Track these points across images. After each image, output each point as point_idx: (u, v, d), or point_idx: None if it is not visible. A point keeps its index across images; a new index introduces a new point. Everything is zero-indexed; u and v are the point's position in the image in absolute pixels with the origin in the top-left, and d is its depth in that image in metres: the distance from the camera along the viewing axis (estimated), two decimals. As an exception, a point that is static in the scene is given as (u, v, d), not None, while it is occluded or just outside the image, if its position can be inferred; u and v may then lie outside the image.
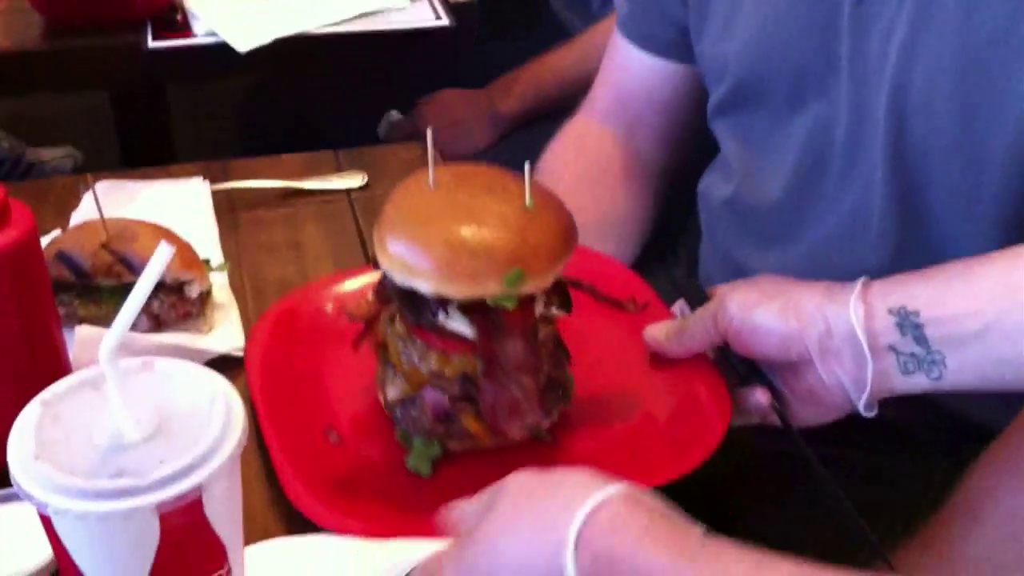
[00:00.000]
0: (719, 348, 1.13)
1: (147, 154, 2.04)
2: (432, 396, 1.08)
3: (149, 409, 0.73)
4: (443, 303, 1.03)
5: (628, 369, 1.19)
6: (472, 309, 1.03)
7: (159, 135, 2.13)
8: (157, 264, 0.75)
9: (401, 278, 1.02)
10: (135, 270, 1.22)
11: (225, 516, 0.74)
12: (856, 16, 1.17)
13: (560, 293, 1.12)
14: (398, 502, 1.05)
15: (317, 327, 1.25)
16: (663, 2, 1.39)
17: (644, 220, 1.51)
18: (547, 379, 1.09)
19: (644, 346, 1.19)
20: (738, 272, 1.24)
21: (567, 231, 1.05)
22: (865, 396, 1.00)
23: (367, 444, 1.12)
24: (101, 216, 1.26)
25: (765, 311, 1.02)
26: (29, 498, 0.67)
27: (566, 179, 1.39)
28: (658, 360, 1.18)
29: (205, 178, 1.50)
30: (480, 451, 1.10)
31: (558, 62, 2.22)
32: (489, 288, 1.00)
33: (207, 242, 1.40)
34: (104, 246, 1.24)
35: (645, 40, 1.47)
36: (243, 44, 1.83)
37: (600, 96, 1.56)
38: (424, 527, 0.98)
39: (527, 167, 1.03)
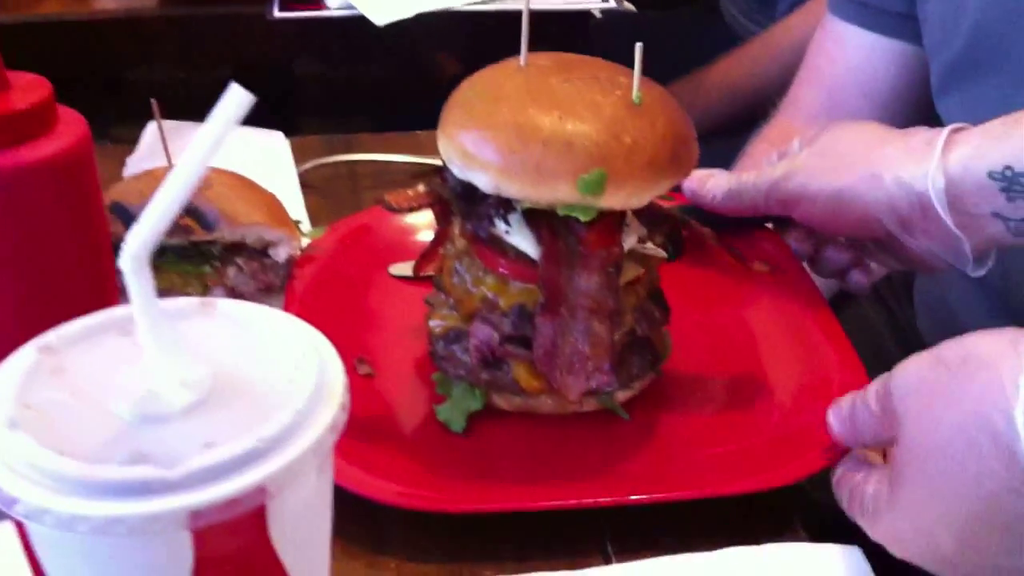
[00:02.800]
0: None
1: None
2: (482, 332, 0.85)
3: (201, 367, 0.49)
4: (505, 207, 0.80)
5: (745, 343, 0.94)
6: (540, 221, 0.80)
7: (283, 112, 2.00)
8: (232, 105, 0.49)
9: (459, 168, 0.80)
10: (209, 226, 0.96)
11: (303, 542, 0.51)
12: None
13: (668, 230, 0.87)
14: (417, 457, 0.83)
15: (376, 253, 1.04)
16: None
17: None
18: (631, 336, 0.85)
19: (771, 317, 0.93)
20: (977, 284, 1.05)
21: (680, 141, 0.80)
22: (969, 266, 0.90)
23: (399, 383, 0.90)
24: (168, 157, 0.98)
25: (834, 190, 0.92)
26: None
27: None
28: (787, 337, 0.91)
29: (328, 153, 1.30)
30: (530, 414, 0.86)
31: (724, 74, 1.98)
32: (559, 191, 0.76)
33: (291, 203, 1.15)
34: None
35: (867, 16, 1.31)
36: (381, 18, 1.69)
37: (805, 95, 1.41)
38: (439, 494, 0.79)
39: (638, 49, 0.79)
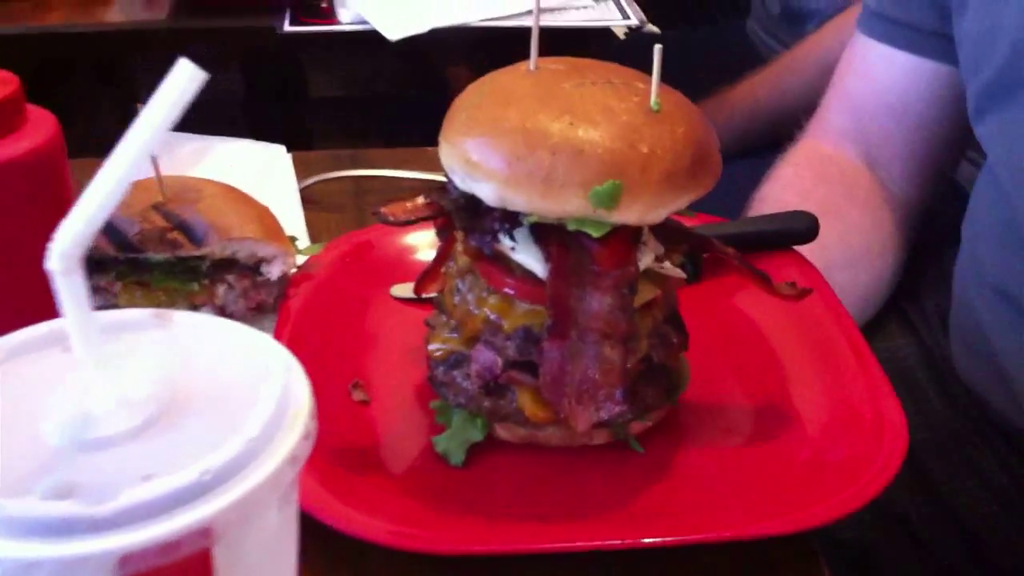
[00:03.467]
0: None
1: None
2: (484, 356, 0.78)
3: (147, 386, 0.43)
4: (510, 221, 0.74)
5: (769, 372, 0.87)
6: (548, 236, 0.73)
7: (296, 125, 1.96)
8: (182, 83, 0.44)
9: (461, 177, 0.74)
10: (198, 240, 0.89)
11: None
12: None
13: (687, 249, 0.80)
14: (411, 492, 0.77)
15: (377, 272, 0.98)
16: None
17: (896, 258, 1.28)
18: (646, 363, 0.79)
19: (798, 344, 0.86)
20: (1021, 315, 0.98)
21: (702, 152, 0.74)
22: None
23: (395, 410, 0.84)
24: (155, 168, 0.89)
25: None
26: None
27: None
28: (815, 365, 0.85)
29: (334, 169, 1.25)
30: (536, 447, 0.80)
31: (748, 92, 1.91)
32: (569, 203, 0.70)
33: (289, 219, 1.10)
34: (157, 208, 0.89)
35: (898, 35, 1.25)
36: (394, 33, 1.65)
37: (834, 115, 1.35)
38: (434, 534, 0.73)
39: (657, 52, 0.73)
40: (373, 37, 1.62)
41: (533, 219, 0.73)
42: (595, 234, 0.71)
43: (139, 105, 0.89)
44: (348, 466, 0.78)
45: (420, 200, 0.78)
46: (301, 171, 1.22)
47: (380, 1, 1.73)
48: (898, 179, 1.29)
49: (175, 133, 1.14)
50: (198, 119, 1.43)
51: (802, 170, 1.31)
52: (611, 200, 0.70)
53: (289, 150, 1.26)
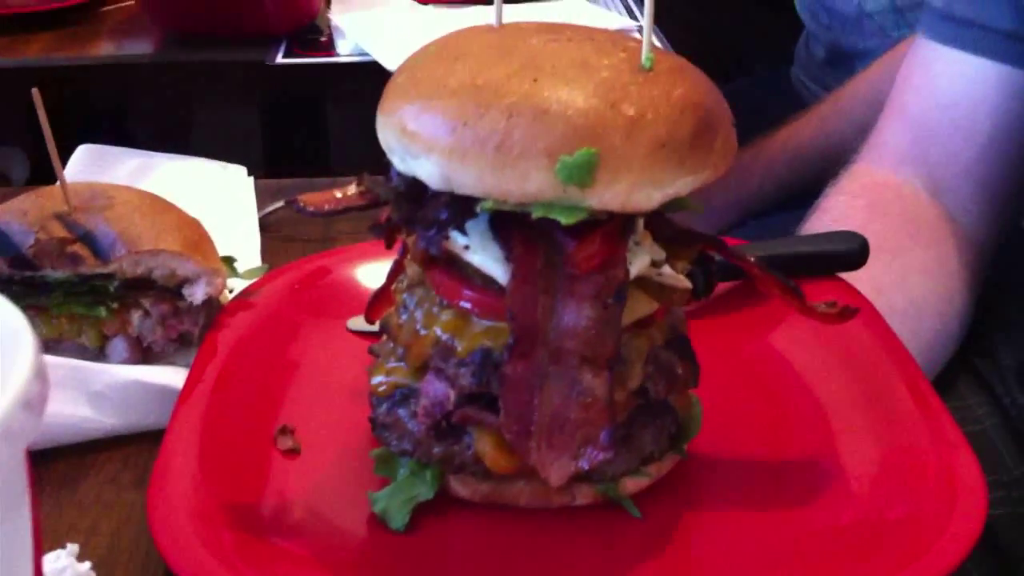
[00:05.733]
0: None
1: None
2: (434, 389, 0.61)
3: None
4: (461, 209, 0.57)
5: (802, 413, 0.69)
6: (510, 229, 0.57)
7: (315, 155, 1.86)
8: None
9: (399, 155, 0.58)
10: (103, 253, 0.75)
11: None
12: None
13: (695, 255, 0.63)
14: (341, 567, 0.59)
15: (333, 302, 0.82)
16: None
17: (966, 304, 1.11)
18: (641, 397, 0.61)
19: (839, 377, 0.68)
20: None
21: (708, 120, 0.58)
22: None
23: (330, 461, 0.67)
24: (60, 176, 0.77)
25: None
26: None
27: None
28: (861, 405, 0.67)
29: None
30: (501, 507, 0.62)
31: (789, 136, 1.76)
32: (531, 178, 0.53)
33: (242, 241, 0.96)
34: (60, 217, 0.76)
35: (970, 36, 1.11)
36: (394, 63, 1.52)
37: (890, 135, 1.19)
38: None
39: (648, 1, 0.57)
40: (374, 68, 1.50)
41: (489, 206, 0.56)
42: (565, 221, 0.54)
43: (34, 90, 0.74)
44: (259, 532, 0.61)
45: (352, 189, 0.62)
46: (270, 199, 1.06)
47: (378, 32, 1.64)
48: (967, 208, 1.13)
49: (110, 147, 1.00)
50: (214, 153, 1.30)
51: (855, 199, 1.15)
52: (585, 174, 0.53)
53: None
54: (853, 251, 0.84)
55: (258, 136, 1.91)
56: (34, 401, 0.33)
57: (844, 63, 1.90)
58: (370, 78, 1.47)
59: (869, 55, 1.80)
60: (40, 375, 0.34)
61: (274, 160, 1.86)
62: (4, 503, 0.32)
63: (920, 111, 1.15)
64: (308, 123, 1.88)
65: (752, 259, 0.65)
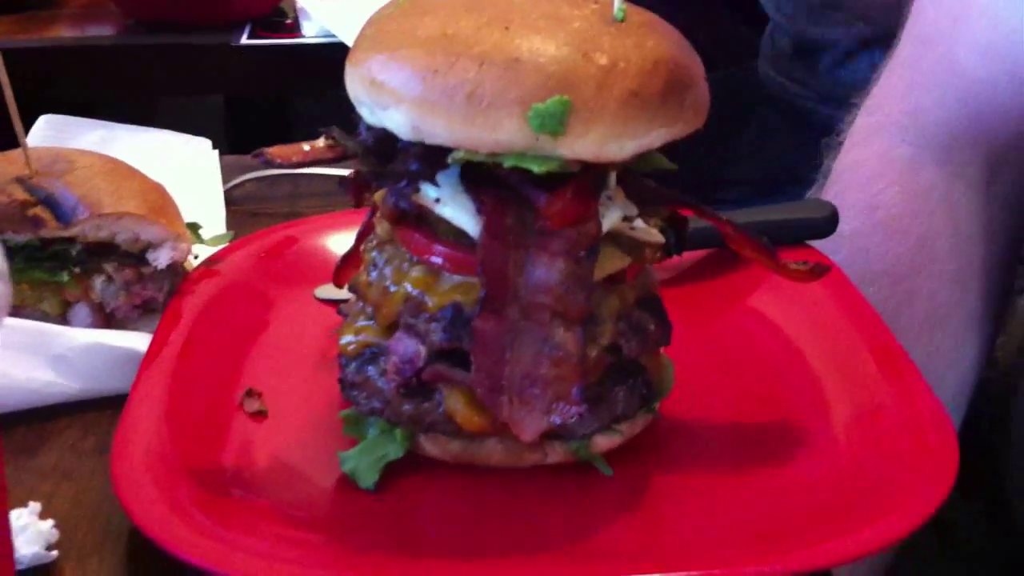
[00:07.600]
0: None
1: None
2: (404, 346, 0.60)
3: None
4: (431, 161, 0.56)
5: (773, 372, 0.68)
6: (481, 181, 0.56)
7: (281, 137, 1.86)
8: None
9: (369, 108, 0.57)
10: (64, 217, 0.74)
11: None
12: None
13: (667, 213, 0.63)
14: (313, 525, 0.59)
15: (300, 271, 0.81)
16: None
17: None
18: (614, 356, 0.60)
19: (809, 336, 0.68)
20: None
21: (679, 73, 0.57)
22: None
23: (297, 423, 0.66)
24: (21, 140, 0.77)
25: None
26: None
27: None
28: (832, 363, 0.66)
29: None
30: (472, 466, 0.61)
31: None
32: (502, 127, 0.53)
33: (207, 210, 0.95)
34: (20, 181, 0.76)
35: None
36: None
37: (929, 116, 0.93)
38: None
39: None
40: (340, 49, 1.50)
41: (460, 156, 0.55)
42: (537, 170, 0.53)
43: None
44: (226, 492, 0.60)
45: (320, 142, 0.61)
46: (236, 173, 1.05)
47: (344, 13, 1.62)
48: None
49: (72, 118, 0.99)
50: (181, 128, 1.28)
51: (889, 197, 0.92)
52: (557, 123, 0.52)
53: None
54: (823, 218, 0.84)
55: (223, 118, 1.90)
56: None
57: (811, 54, 1.90)
58: (336, 59, 1.47)
59: (836, 47, 1.81)
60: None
61: (239, 144, 1.86)
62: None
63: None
64: (273, 105, 1.87)
65: (725, 218, 0.64)
